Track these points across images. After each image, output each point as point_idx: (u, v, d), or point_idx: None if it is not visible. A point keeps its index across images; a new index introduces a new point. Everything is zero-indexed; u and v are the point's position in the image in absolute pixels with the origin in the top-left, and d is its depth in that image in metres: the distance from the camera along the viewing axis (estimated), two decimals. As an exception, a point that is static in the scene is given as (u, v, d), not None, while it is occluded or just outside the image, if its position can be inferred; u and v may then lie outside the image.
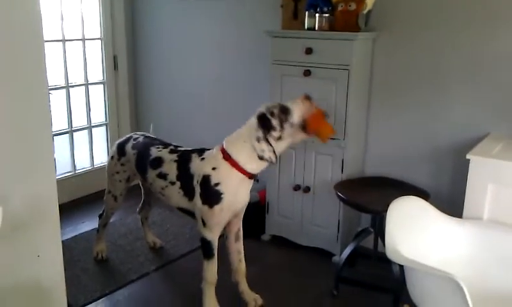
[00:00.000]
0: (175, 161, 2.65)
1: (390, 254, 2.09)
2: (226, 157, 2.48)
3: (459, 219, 2.41)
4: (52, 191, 1.78)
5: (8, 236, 1.52)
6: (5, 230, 1.39)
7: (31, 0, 1.64)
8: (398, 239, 2.16)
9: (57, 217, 1.83)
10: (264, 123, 2.42)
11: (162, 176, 2.68)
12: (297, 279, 3.09)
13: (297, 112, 2.45)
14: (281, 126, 2.43)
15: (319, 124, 2.49)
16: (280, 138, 2.45)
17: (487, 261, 2.29)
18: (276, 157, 2.44)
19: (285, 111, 2.44)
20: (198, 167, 2.55)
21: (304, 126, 2.46)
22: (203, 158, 2.57)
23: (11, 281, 1.71)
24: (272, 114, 2.43)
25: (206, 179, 2.50)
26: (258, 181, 2.62)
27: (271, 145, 2.42)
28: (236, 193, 2.51)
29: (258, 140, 2.41)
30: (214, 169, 2.49)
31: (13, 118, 1.65)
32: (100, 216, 3.20)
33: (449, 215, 2.39)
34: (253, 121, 2.46)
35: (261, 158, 2.42)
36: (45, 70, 1.71)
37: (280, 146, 2.48)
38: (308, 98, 2.50)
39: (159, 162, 2.70)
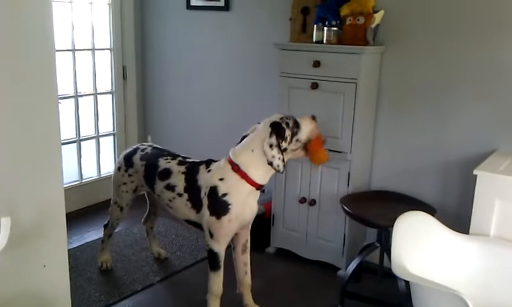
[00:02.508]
0: (183, 173, 2.66)
1: (395, 269, 2.08)
2: (235, 168, 2.48)
3: (465, 235, 2.40)
4: (60, 201, 1.79)
5: (14, 245, 1.52)
6: (12, 239, 1.40)
7: (44, 10, 1.66)
8: (404, 255, 2.15)
9: (64, 227, 1.84)
10: (278, 131, 2.43)
11: (170, 187, 2.68)
12: (302, 293, 3.07)
13: (305, 130, 2.50)
14: (291, 140, 2.46)
15: (318, 148, 2.54)
16: (285, 150, 2.46)
17: (493, 278, 2.27)
18: (284, 167, 2.45)
19: (297, 125, 2.49)
20: (206, 179, 2.56)
21: (305, 146, 2.52)
22: (210, 170, 2.57)
23: (17, 290, 1.71)
24: (287, 124, 2.46)
25: (213, 190, 2.50)
26: (264, 191, 2.63)
27: (282, 153, 2.42)
28: (244, 204, 2.51)
29: (270, 146, 2.41)
30: (221, 179, 2.50)
31: (23, 126, 1.66)
32: (105, 226, 3.20)
33: (456, 231, 2.38)
34: (263, 128, 2.47)
35: (270, 163, 2.42)
36: (56, 79, 1.72)
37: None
38: (314, 119, 2.55)
39: (167, 173, 2.71)
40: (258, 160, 2.46)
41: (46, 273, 1.79)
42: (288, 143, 2.46)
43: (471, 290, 2.19)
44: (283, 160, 2.43)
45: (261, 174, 2.49)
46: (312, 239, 3.34)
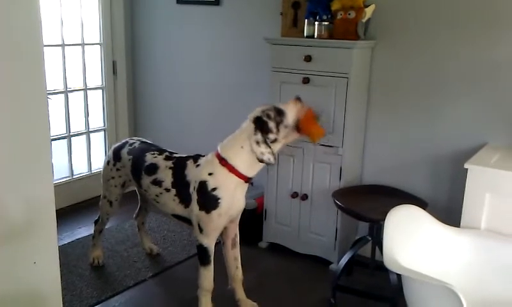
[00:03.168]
0: (170, 168, 2.65)
1: (387, 263, 2.09)
2: (223, 162, 2.48)
3: (456, 228, 2.41)
4: (50, 197, 1.77)
5: (4, 242, 1.51)
6: (2, 236, 1.38)
7: (31, 5, 1.64)
8: (395, 248, 2.16)
9: (55, 224, 1.82)
10: (262, 126, 2.43)
11: (157, 182, 2.67)
12: (294, 287, 3.08)
13: (291, 114, 2.47)
14: (277, 129, 2.44)
15: (311, 124, 2.50)
16: (275, 140, 2.46)
17: (484, 271, 2.29)
18: (275, 159, 2.45)
19: (280, 113, 2.45)
20: (194, 173, 2.55)
21: (297, 127, 2.48)
22: (198, 165, 2.57)
23: (7, 288, 1.70)
24: (268, 116, 2.44)
25: (203, 185, 2.50)
26: (252, 184, 2.63)
27: (270, 147, 2.42)
28: (233, 198, 2.51)
29: (257, 143, 2.41)
30: (210, 174, 2.49)
31: (12, 122, 1.65)
32: (96, 222, 3.18)
33: (447, 224, 2.40)
34: (249, 125, 2.46)
35: (261, 160, 2.43)
36: (44, 74, 1.71)
37: (274, 149, 2.48)
38: (299, 99, 2.52)
39: (153, 168, 2.70)
40: (247, 156, 2.45)
41: (37, 270, 1.78)
42: (276, 133, 2.45)
43: (462, 282, 2.20)
44: (272, 153, 2.43)
45: (249, 167, 2.48)
46: (304, 233, 3.35)
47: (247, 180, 2.52)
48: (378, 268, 2.90)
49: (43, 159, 1.76)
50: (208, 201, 2.48)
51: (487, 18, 2.82)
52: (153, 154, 2.76)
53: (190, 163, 2.61)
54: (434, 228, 2.37)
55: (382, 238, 2.21)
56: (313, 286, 3.07)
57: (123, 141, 3.04)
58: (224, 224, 2.57)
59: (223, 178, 2.47)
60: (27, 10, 1.63)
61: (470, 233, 2.38)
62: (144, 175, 2.73)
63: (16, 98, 1.64)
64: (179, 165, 2.63)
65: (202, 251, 2.57)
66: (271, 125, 2.43)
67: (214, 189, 2.47)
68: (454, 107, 3.00)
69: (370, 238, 2.93)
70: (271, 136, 2.44)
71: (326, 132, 2.59)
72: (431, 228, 2.36)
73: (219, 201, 2.47)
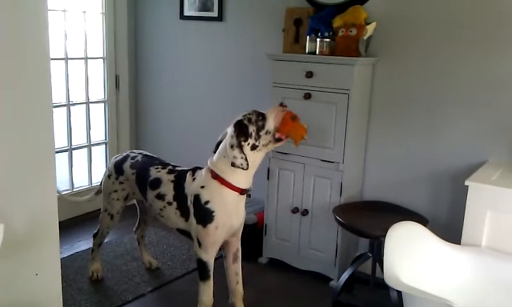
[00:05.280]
0: (172, 181, 2.66)
1: (388, 279, 2.08)
2: (213, 174, 2.48)
3: (457, 245, 2.41)
4: (53, 209, 1.78)
5: (7, 253, 1.51)
6: (5, 247, 1.39)
7: (40, 20, 1.66)
8: (396, 265, 2.16)
9: (57, 236, 1.83)
10: (241, 129, 2.42)
11: (160, 196, 2.68)
12: (294, 303, 3.07)
13: (271, 119, 2.44)
14: (258, 134, 2.42)
15: (289, 126, 2.45)
16: (255, 147, 2.43)
17: (485, 288, 2.28)
18: (248, 164, 2.40)
19: (261, 118, 2.43)
20: (191, 186, 2.56)
21: (277, 131, 2.45)
22: (194, 178, 2.58)
23: (8, 299, 1.69)
24: (249, 120, 2.43)
25: (197, 198, 2.51)
26: (250, 196, 2.61)
27: (243, 152, 2.40)
28: (230, 211, 2.50)
29: (231, 146, 2.40)
30: (202, 187, 2.50)
31: (18, 134, 1.66)
32: (95, 235, 3.17)
33: (447, 241, 2.39)
34: (230, 131, 2.46)
35: (233, 164, 2.40)
36: (51, 87, 1.72)
37: (257, 156, 2.46)
38: (281, 105, 2.50)
39: (157, 182, 2.70)
40: (230, 165, 2.43)
41: (38, 281, 1.77)
42: (256, 139, 2.42)
43: (462, 300, 2.20)
44: (246, 159, 2.39)
45: (240, 178, 2.47)
46: (304, 249, 3.34)
47: (241, 191, 2.50)
48: (378, 285, 2.89)
49: (48, 171, 1.77)
50: (203, 214, 2.48)
51: (487, 36, 2.85)
52: (157, 168, 2.76)
53: (189, 176, 2.61)
54: (435, 245, 2.36)
55: (382, 255, 2.21)
56: (313, 303, 3.06)
57: (124, 154, 3.04)
58: (222, 237, 2.55)
59: (215, 190, 2.47)
60: (36, 25, 1.65)
61: (470, 250, 2.37)
62: (148, 190, 2.74)
63: (23, 109, 1.65)
64: (179, 179, 2.64)
65: (201, 266, 2.57)
66: (251, 129, 2.41)
67: (207, 202, 2.48)
68: (454, 124, 3.01)
69: (370, 255, 2.93)
70: (250, 141, 2.42)
71: (307, 129, 2.52)
72: (432, 245, 2.36)
73: (214, 214, 2.47)
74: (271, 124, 2.44)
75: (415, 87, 3.12)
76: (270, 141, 2.46)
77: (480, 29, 2.87)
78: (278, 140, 2.47)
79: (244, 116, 2.45)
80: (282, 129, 2.45)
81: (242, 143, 2.41)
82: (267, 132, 2.44)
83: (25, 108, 1.66)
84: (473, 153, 2.94)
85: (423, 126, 3.12)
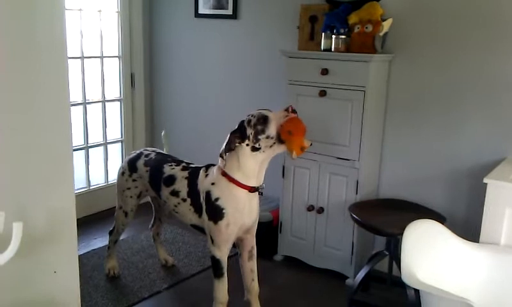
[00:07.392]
0: (186, 178, 2.68)
1: (405, 278, 2.07)
2: (223, 172, 2.49)
3: (475, 243, 2.38)
4: (71, 207, 1.79)
5: (25, 251, 1.53)
6: (23, 245, 1.40)
7: (58, 19, 1.67)
8: (413, 263, 2.14)
9: (75, 233, 1.84)
10: (239, 129, 2.44)
11: (175, 193, 2.69)
12: (310, 301, 3.06)
13: (274, 123, 2.38)
14: (256, 138, 2.39)
15: (286, 137, 2.34)
16: (256, 149, 2.41)
17: (503, 287, 2.25)
18: (224, 159, 2.43)
19: (262, 122, 2.38)
20: (203, 183, 2.58)
21: (280, 136, 2.38)
22: (207, 175, 2.59)
23: (28, 296, 1.71)
24: (249, 122, 2.42)
25: (208, 194, 2.52)
26: (262, 194, 2.57)
27: (225, 153, 2.42)
28: (241, 208, 2.49)
29: (226, 141, 2.43)
30: (213, 184, 2.52)
31: (36, 133, 1.67)
32: (111, 233, 3.20)
33: (465, 239, 2.36)
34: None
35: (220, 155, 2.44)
36: (68, 85, 1.74)
37: (261, 157, 2.43)
38: (289, 110, 2.41)
39: (171, 179, 2.72)
40: (239, 163, 2.44)
41: (57, 279, 1.79)
42: (254, 142, 2.40)
43: (481, 298, 2.18)
44: (222, 156, 2.43)
45: (246, 176, 2.46)
46: (319, 247, 3.33)
47: (251, 189, 2.49)
48: (395, 283, 2.87)
49: (66, 169, 1.78)
50: (214, 211, 2.49)
51: (505, 29, 2.80)
52: (171, 165, 2.78)
53: (202, 172, 2.63)
54: (453, 243, 2.34)
55: (399, 253, 2.19)
56: (329, 301, 3.05)
57: (138, 151, 3.05)
58: (234, 234, 2.55)
59: (224, 187, 2.48)
60: (54, 24, 1.67)
61: (489, 248, 2.34)
62: (163, 187, 2.75)
63: (41, 108, 1.67)
64: (193, 175, 2.66)
65: (215, 263, 2.58)
66: (249, 132, 2.40)
67: (217, 199, 2.49)
68: (472, 121, 2.97)
69: (387, 253, 2.91)
70: (249, 143, 2.41)
71: (309, 146, 2.40)
72: (450, 243, 2.33)
73: (224, 211, 2.47)
74: (272, 129, 2.37)
75: (432, 83, 3.08)
76: (274, 143, 2.40)
77: (499, 26, 2.82)
78: (283, 142, 2.40)
79: (248, 117, 2.45)
80: (284, 135, 2.36)
81: (237, 143, 2.41)
82: (268, 137, 2.38)
83: (44, 107, 1.67)
84: (491, 150, 2.91)
85: (440, 123, 3.08)
